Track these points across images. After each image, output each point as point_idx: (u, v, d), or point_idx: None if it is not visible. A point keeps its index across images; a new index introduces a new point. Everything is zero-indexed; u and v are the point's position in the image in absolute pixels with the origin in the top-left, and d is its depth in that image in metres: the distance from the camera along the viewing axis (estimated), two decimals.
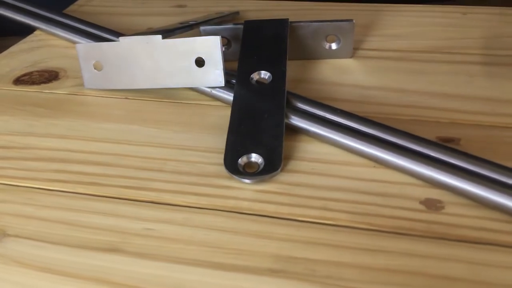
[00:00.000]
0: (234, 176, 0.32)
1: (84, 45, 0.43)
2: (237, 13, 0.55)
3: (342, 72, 0.44)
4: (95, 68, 0.43)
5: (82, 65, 0.43)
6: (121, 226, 0.30)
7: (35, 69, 0.48)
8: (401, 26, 0.51)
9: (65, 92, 0.44)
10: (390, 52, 0.46)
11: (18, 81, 0.46)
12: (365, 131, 0.34)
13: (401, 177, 0.32)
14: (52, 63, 0.48)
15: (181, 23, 0.48)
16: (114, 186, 0.33)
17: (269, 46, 0.41)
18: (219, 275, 0.26)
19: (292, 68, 0.45)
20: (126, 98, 0.42)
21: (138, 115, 0.40)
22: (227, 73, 0.40)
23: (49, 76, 0.47)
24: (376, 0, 0.59)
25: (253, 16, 0.55)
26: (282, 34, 0.42)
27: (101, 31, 0.51)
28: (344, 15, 0.51)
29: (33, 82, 0.46)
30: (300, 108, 0.37)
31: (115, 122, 0.39)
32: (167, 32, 0.42)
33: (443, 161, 0.31)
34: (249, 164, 0.33)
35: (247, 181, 0.32)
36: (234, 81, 0.39)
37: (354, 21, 0.43)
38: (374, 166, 0.33)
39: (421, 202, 0.30)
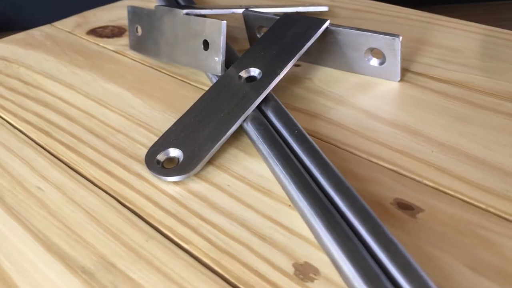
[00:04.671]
0: (145, 165, 0.30)
1: (133, 8, 0.44)
2: (325, 7, 0.50)
3: (369, 94, 0.37)
4: (137, 32, 0.44)
5: (129, 27, 0.45)
6: (23, 177, 0.30)
7: (114, 24, 0.51)
8: (485, 56, 0.40)
9: (112, 49, 0.46)
10: (447, 85, 0.37)
11: (92, 31, 0.50)
12: (304, 164, 0.28)
13: (301, 228, 0.26)
14: None
15: (241, 5, 0.46)
16: (56, 140, 0.34)
17: (286, 44, 0.37)
18: (40, 254, 0.25)
19: (317, 75, 0.39)
20: (150, 67, 0.43)
21: (140, 84, 0.40)
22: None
23: (116, 32, 0.49)
24: None
25: (343, 14, 0.50)
26: (309, 35, 0.37)
27: (186, 1, 0.52)
28: (436, 29, 0.43)
29: (100, 35, 0.49)
30: (267, 117, 0.32)
31: (117, 85, 0.40)
32: (201, 10, 0.41)
33: (350, 228, 0.24)
34: (169, 159, 0.31)
35: (155, 175, 0.30)
36: None
37: (400, 37, 0.35)
38: (289, 205, 0.27)
39: (295, 264, 0.24)
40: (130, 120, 0.35)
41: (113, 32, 0.50)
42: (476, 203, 0.26)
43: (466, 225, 0.25)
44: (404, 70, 0.39)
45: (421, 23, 0.47)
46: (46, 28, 0.51)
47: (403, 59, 0.40)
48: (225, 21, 0.36)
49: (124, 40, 0.47)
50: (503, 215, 0.26)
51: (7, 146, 0.33)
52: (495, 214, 0.26)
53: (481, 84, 0.37)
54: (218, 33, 0.36)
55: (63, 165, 0.31)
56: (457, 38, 0.44)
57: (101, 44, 0.47)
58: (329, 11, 0.50)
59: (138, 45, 0.44)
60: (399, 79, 0.38)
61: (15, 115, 0.37)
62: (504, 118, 0.33)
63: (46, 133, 0.34)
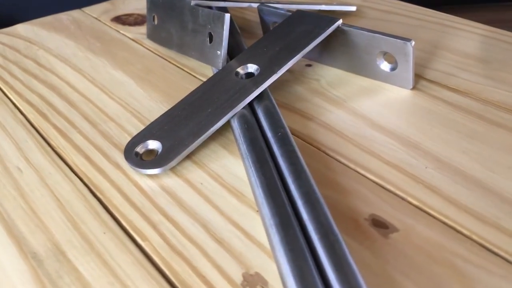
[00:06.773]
0: (122, 155, 0.30)
1: None
2: (353, 7, 0.47)
3: (374, 101, 0.34)
4: (153, 21, 0.44)
5: (147, 16, 0.44)
6: (8, 157, 0.31)
7: (140, 12, 0.51)
8: None
9: (130, 37, 0.46)
10: (463, 96, 0.34)
11: (116, 18, 0.50)
12: (280, 169, 0.27)
13: (262, 236, 0.24)
14: None
15: (259, 0, 0.44)
16: (50, 123, 0.34)
17: (291, 41, 0.35)
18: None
19: (326, 77, 0.37)
20: (161, 57, 0.42)
21: (146, 73, 0.39)
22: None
23: (139, 21, 0.49)
24: None
25: (370, 14, 0.47)
26: (316, 33, 0.35)
27: None
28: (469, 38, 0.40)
29: (123, 22, 0.49)
30: (256, 116, 0.31)
31: (124, 72, 0.40)
32: (213, 1, 0.40)
33: (307, 243, 0.22)
34: (149, 151, 0.30)
35: (131, 166, 0.29)
36: None
37: (413, 42, 0.33)
38: (257, 211, 0.26)
39: (245, 274, 0.22)
40: (126, 109, 0.35)
41: (136, 20, 0.50)
42: (459, 228, 0.24)
43: (441, 251, 0.23)
44: (419, 77, 0.36)
45: (448, 28, 0.44)
46: (74, 13, 0.52)
47: (421, 66, 0.38)
48: (229, 14, 0.35)
49: (144, 29, 0.47)
50: (486, 244, 0.23)
51: (2, 124, 0.34)
52: (477, 243, 0.23)
53: (502, 99, 0.34)
54: (221, 26, 0.35)
55: (49, 149, 0.31)
56: (485, 47, 0.40)
57: (121, 32, 0.47)
58: (357, 11, 0.48)
59: (154, 34, 0.44)
60: (411, 86, 0.35)
61: (20, 95, 0.37)
62: None
63: (43, 116, 0.35)
